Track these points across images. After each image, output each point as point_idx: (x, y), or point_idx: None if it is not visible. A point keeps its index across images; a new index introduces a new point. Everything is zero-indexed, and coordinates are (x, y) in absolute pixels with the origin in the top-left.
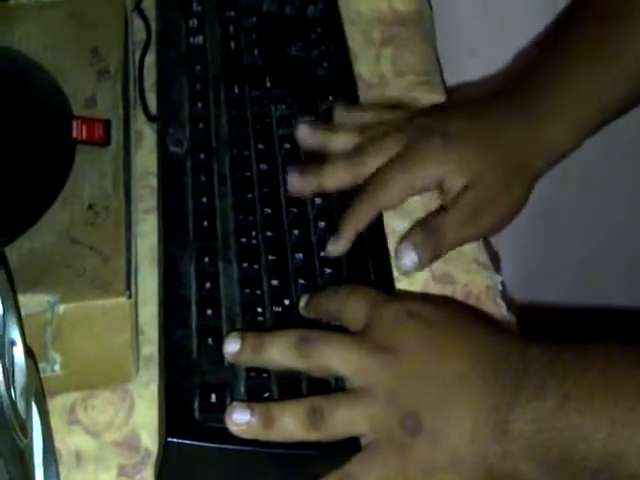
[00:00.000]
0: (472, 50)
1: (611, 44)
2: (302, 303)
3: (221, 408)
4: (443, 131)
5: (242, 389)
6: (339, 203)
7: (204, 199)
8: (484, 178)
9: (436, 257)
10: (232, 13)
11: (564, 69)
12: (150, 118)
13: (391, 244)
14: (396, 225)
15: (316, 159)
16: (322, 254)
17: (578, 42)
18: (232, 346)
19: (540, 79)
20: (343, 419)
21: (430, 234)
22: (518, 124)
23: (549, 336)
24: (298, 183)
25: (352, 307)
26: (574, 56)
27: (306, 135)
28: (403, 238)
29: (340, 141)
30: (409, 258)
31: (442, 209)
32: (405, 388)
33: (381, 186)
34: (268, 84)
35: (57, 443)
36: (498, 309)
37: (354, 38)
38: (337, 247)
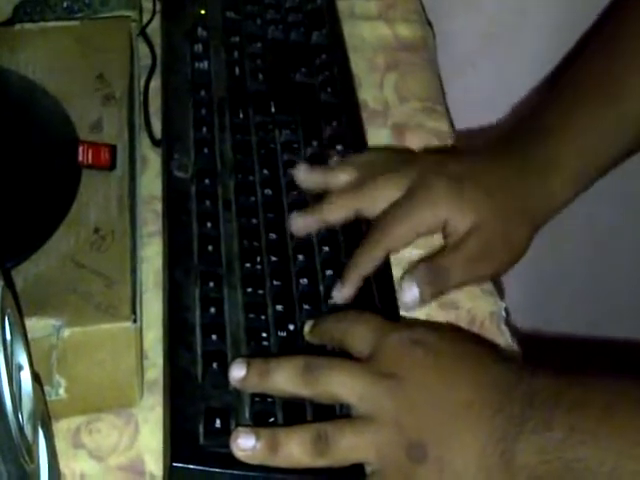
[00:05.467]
0: (474, 64)
1: (612, 90)
2: (307, 329)
3: (226, 433)
4: (447, 174)
5: (247, 414)
6: (343, 227)
7: (209, 224)
8: (488, 223)
9: (437, 295)
10: (237, 39)
11: (565, 121)
12: (155, 143)
13: (397, 272)
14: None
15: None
16: (329, 301)
17: (579, 90)
18: (238, 372)
19: (541, 131)
20: (349, 446)
21: (433, 272)
22: (520, 176)
23: (553, 365)
24: (300, 222)
25: (357, 334)
26: (575, 106)
27: (305, 176)
28: (405, 274)
29: (341, 178)
30: (410, 294)
31: (445, 250)
32: (411, 416)
33: (386, 231)
34: (273, 109)
35: (62, 467)
36: (502, 335)
37: (358, 64)
38: (342, 293)
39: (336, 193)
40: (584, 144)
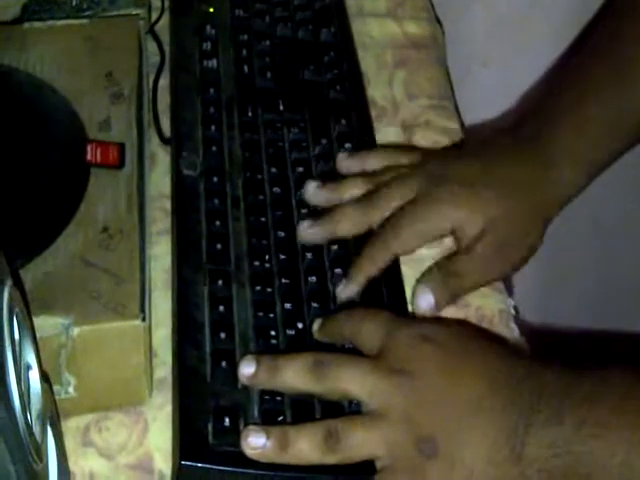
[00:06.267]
0: (484, 63)
1: (620, 76)
2: (315, 326)
3: (235, 432)
4: (456, 177)
5: (256, 412)
6: None
7: (217, 222)
8: (500, 224)
9: (453, 300)
10: (245, 37)
11: (575, 109)
12: (164, 141)
13: (406, 269)
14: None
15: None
16: (337, 301)
17: (587, 78)
18: (247, 369)
19: (551, 123)
20: (359, 442)
21: (448, 277)
22: (532, 169)
23: (563, 360)
24: (310, 232)
25: (367, 330)
26: (584, 93)
27: (313, 194)
28: (420, 280)
29: (349, 191)
30: (425, 300)
31: (459, 253)
32: (421, 411)
33: (395, 234)
34: (281, 107)
35: (71, 465)
36: (511, 333)
37: (367, 62)
38: (347, 291)
39: (345, 208)
40: (595, 132)
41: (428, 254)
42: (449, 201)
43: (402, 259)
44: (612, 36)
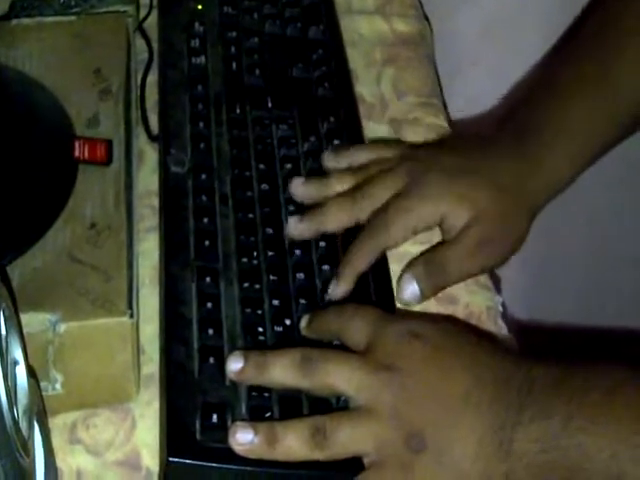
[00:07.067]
0: (474, 61)
1: (605, 74)
2: (303, 323)
3: (222, 428)
4: (442, 168)
5: (243, 409)
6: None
7: (205, 219)
8: (486, 215)
9: (437, 291)
10: (234, 34)
11: (559, 105)
12: (152, 138)
13: (394, 267)
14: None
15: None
16: (325, 297)
17: (570, 77)
18: (235, 364)
19: (535, 117)
20: (347, 438)
21: (433, 268)
22: (516, 163)
23: (551, 356)
24: (298, 228)
25: (355, 327)
26: (568, 90)
27: (300, 190)
28: (405, 270)
29: (336, 187)
30: (410, 291)
31: (444, 245)
32: (409, 407)
33: (382, 228)
34: (269, 104)
35: (58, 462)
36: (498, 330)
37: (355, 59)
38: (338, 291)
39: (333, 203)
40: (579, 128)
41: (416, 251)
42: (436, 193)
43: (390, 256)
44: (595, 35)
